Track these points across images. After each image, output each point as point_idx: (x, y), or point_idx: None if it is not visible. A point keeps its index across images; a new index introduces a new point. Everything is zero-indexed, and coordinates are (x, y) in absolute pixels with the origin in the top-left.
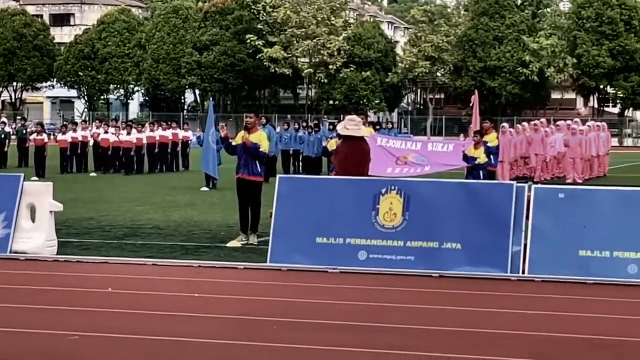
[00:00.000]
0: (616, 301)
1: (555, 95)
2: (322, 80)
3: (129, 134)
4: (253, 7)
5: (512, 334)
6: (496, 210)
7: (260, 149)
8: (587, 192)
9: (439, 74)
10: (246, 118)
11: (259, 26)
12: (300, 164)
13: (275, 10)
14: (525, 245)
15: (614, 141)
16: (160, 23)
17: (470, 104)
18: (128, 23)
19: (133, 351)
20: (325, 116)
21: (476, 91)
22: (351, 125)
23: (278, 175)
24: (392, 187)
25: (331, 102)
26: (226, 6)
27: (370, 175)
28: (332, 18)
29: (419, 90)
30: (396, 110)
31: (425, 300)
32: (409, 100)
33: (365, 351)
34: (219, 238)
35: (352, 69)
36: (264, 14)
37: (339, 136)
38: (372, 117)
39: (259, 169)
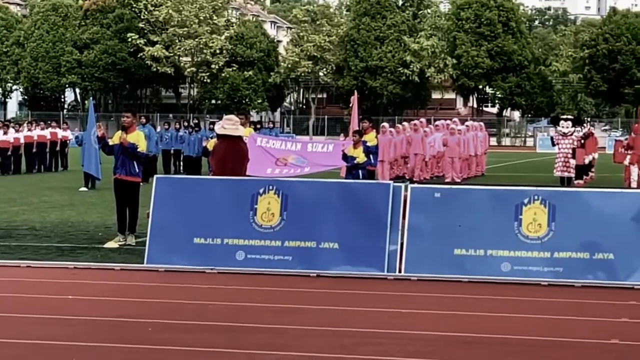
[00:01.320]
0: (490, 299)
1: (436, 95)
2: (205, 80)
3: (5, 133)
4: (134, 5)
5: (386, 333)
6: (373, 209)
7: (138, 149)
8: (462, 192)
9: (321, 73)
10: (123, 118)
11: (141, 25)
12: (181, 163)
13: (156, 9)
14: (401, 244)
15: (493, 141)
16: (39, 21)
17: (350, 104)
18: (6, 20)
19: None
20: (207, 115)
21: (356, 92)
22: (229, 125)
23: (155, 176)
24: (270, 187)
25: (213, 101)
26: (107, 4)
27: (249, 176)
28: (214, 17)
29: (301, 90)
30: (279, 109)
31: (303, 300)
32: (292, 99)
33: (241, 352)
34: (97, 239)
35: (234, 68)
36: (146, 13)
37: (217, 136)
38: (254, 116)
39: (137, 169)
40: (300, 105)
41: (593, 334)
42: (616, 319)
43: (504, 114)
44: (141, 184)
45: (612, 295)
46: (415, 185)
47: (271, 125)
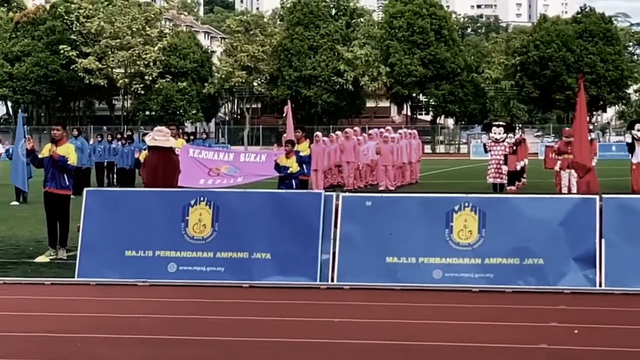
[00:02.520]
0: (422, 306)
1: (370, 103)
2: (138, 91)
3: None
4: (66, 17)
5: (319, 343)
6: (305, 219)
7: (68, 162)
8: (393, 200)
9: (255, 83)
10: (53, 131)
11: (73, 37)
12: (115, 176)
13: (89, 20)
14: (333, 253)
15: (427, 148)
16: None
17: (284, 114)
18: None
19: None
20: (142, 127)
21: (289, 101)
22: (159, 136)
23: (85, 189)
24: (201, 198)
25: (147, 113)
26: (38, 16)
27: (181, 187)
28: (147, 28)
29: (235, 100)
30: (213, 120)
31: (235, 312)
32: (226, 110)
33: None
34: (27, 253)
35: (168, 79)
36: (78, 25)
37: (148, 147)
38: (189, 127)
39: (67, 182)
40: (235, 116)
41: (522, 339)
42: (545, 323)
43: (437, 121)
44: (73, 197)
45: (542, 300)
46: (347, 194)
47: (204, 136)
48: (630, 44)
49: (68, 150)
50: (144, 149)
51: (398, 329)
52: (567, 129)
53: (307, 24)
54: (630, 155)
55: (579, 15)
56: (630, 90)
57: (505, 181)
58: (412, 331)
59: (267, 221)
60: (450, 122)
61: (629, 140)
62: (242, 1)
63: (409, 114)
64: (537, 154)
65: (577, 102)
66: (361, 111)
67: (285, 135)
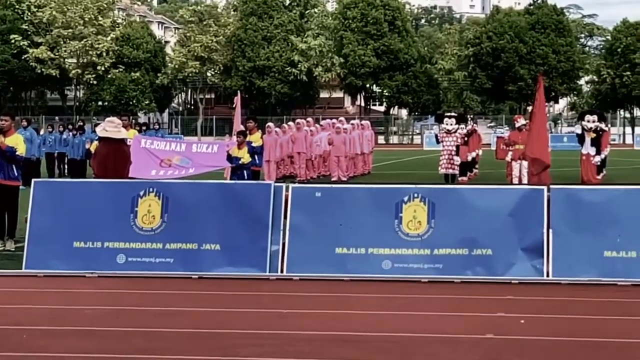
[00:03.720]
0: (371, 297)
1: (324, 94)
2: (91, 82)
3: None
4: (17, 6)
5: (268, 334)
6: (255, 210)
7: (17, 153)
8: (343, 191)
9: (209, 74)
10: (0, 121)
11: (24, 26)
12: (66, 166)
13: (40, 10)
14: (283, 244)
15: (381, 139)
16: None
17: (234, 105)
18: None
19: None
20: (94, 117)
21: (239, 92)
22: (110, 127)
23: (33, 180)
24: (151, 189)
25: (100, 103)
26: None
27: (132, 178)
28: (100, 18)
29: (189, 91)
30: (167, 110)
31: (184, 303)
32: (180, 100)
33: (118, 357)
34: None
35: (121, 69)
36: (29, 14)
37: (99, 138)
38: (142, 118)
39: (16, 173)
40: (189, 106)
41: (469, 329)
42: (492, 313)
43: (391, 112)
44: (22, 187)
45: (490, 290)
46: (296, 184)
47: (157, 127)
48: (582, 35)
49: (16, 141)
50: (95, 140)
51: (347, 319)
52: (516, 116)
53: (261, 15)
54: (580, 146)
55: (532, 7)
56: (581, 82)
57: (457, 172)
58: (361, 322)
59: (216, 212)
60: (404, 112)
61: (579, 131)
62: None
63: (362, 104)
64: (490, 144)
65: (536, 99)
66: (315, 102)
67: (234, 126)
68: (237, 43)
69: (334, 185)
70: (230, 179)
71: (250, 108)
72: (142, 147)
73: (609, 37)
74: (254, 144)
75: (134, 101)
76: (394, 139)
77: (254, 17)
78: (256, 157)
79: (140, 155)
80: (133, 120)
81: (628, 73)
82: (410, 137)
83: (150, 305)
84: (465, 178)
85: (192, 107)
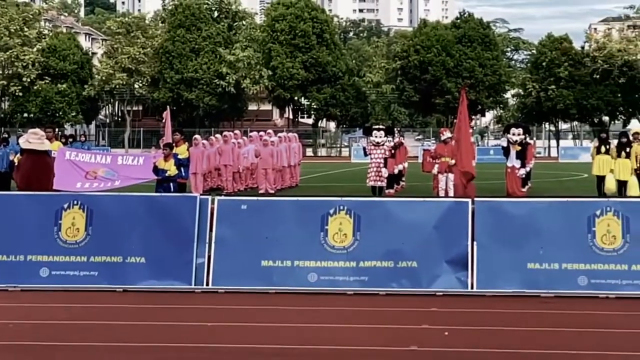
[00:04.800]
0: (297, 309)
1: (252, 106)
2: (16, 93)
3: None
4: None
5: (193, 347)
6: (180, 222)
7: None
8: (268, 203)
9: (136, 85)
10: None
11: None
12: None
13: None
14: (209, 257)
15: (309, 151)
16: None
17: (163, 120)
18: None
19: None
20: (20, 129)
21: (168, 107)
22: (34, 139)
23: None
24: (75, 202)
25: (26, 115)
26: None
27: (57, 190)
28: (26, 29)
29: (116, 103)
30: (94, 122)
31: (109, 316)
32: (107, 112)
33: None
34: None
35: (47, 81)
36: None
37: (22, 150)
38: (68, 130)
39: None
40: (116, 118)
41: (394, 342)
42: (417, 325)
43: (319, 124)
44: None
45: (415, 303)
46: (222, 197)
47: (83, 139)
48: (508, 49)
49: None
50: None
51: (272, 332)
52: (442, 129)
53: (189, 27)
54: (505, 158)
55: (459, 21)
56: (507, 95)
57: (384, 184)
58: (287, 335)
59: (141, 225)
60: (332, 125)
61: (505, 144)
62: (123, 2)
63: (290, 117)
64: (417, 157)
65: (460, 112)
66: (243, 114)
67: (163, 138)
68: (165, 55)
69: (259, 198)
70: (156, 191)
71: (178, 120)
72: (66, 159)
73: (534, 51)
74: (180, 156)
75: (60, 113)
76: (322, 152)
77: (182, 29)
78: (182, 169)
79: (65, 168)
80: (59, 132)
81: (553, 87)
82: (338, 149)
83: (73, 319)
84: (392, 190)
85: (120, 119)
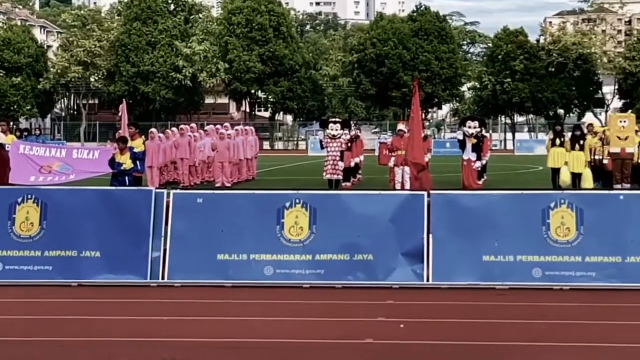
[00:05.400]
0: (253, 303)
1: (209, 99)
2: None
3: None
4: None
5: (148, 341)
6: (135, 216)
7: None
8: (224, 197)
9: (92, 79)
10: None
11: None
12: None
13: None
14: (164, 250)
15: (266, 144)
16: None
17: (120, 113)
18: None
19: None
20: None
21: (124, 100)
22: None
23: None
24: (29, 196)
25: None
26: None
27: (11, 184)
28: None
29: (72, 96)
30: (49, 116)
31: (64, 311)
32: (62, 105)
33: None
34: None
35: (1, 74)
36: None
37: None
38: (23, 123)
39: None
40: (71, 112)
41: (349, 334)
42: (373, 318)
43: (276, 118)
44: None
45: (371, 295)
46: (177, 191)
47: (38, 132)
48: (464, 42)
49: None
50: None
51: (228, 326)
52: (399, 122)
53: (145, 20)
54: (461, 151)
55: (415, 14)
56: (463, 88)
57: (341, 177)
58: (242, 328)
59: (96, 219)
60: (289, 118)
61: (461, 137)
62: None
63: (247, 110)
64: (374, 150)
65: (412, 102)
66: (200, 107)
67: (120, 131)
68: (121, 48)
69: (215, 191)
70: (112, 185)
71: (135, 113)
72: (20, 152)
73: (490, 45)
74: (135, 150)
75: (15, 106)
76: (279, 145)
77: (138, 22)
78: (138, 163)
79: (19, 161)
80: (13, 126)
81: (509, 80)
82: (295, 142)
83: (29, 314)
84: (349, 184)
85: (75, 113)
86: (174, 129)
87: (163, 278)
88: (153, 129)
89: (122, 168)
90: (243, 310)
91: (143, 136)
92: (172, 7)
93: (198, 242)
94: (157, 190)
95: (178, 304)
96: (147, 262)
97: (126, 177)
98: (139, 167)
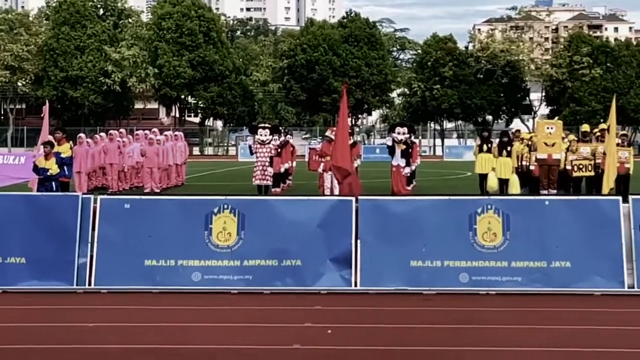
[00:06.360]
0: (180, 309)
1: (139, 105)
2: None
3: None
4: None
5: (71, 348)
6: (62, 222)
7: None
8: (152, 202)
9: (20, 83)
10: None
11: None
12: None
13: None
14: (91, 256)
15: (196, 150)
16: None
17: (42, 115)
18: None
19: None
20: None
21: (47, 101)
22: None
23: None
24: None
25: None
26: None
27: None
28: None
29: None
30: None
31: None
32: None
33: None
34: None
35: None
36: None
37: None
38: None
39: None
40: None
41: (276, 341)
42: (300, 324)
43: (206, 123)
44: None
45: (299, 301)
46: (105, 196)
47: None
48: (394, 49)
49: None
50: None
51: (155, 332)
52: (329, 128)
53: (74, 24)
54: (390, 157)
55: (345, 20)
56: (393, 94)
57: (270, 183)
58: (169, 334)
59: (22, 225)
60: (219, 124)
61: (390, 143)
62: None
63: (177, 115)
64: (304, 155)
65: (340, 107)
66: (129, 112)
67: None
68: (49, 52)
69: (143, 197)
70: (38, 191)
71: (63, 119)
72: None
73: (419, 51)
74: (62, 155)
75: None
76: (209, 150)
77: (66, 27)
78: (65, 168)
79: None
80: None
81: (438, 86)
82: (226, 148)
83: None
84: (278, 189)
85: (2, 118)
86: (102, 134)
87: (90, 284)
88: (81, 134)
89: (48, 174)
90: (170, 317)
91: (71, 141)
92: (102, 11)
93: (125, 248)
94: (84, 195)
95: (104, 311)
96: (73, 268)
97: (53, 183)
98: (66, 173)
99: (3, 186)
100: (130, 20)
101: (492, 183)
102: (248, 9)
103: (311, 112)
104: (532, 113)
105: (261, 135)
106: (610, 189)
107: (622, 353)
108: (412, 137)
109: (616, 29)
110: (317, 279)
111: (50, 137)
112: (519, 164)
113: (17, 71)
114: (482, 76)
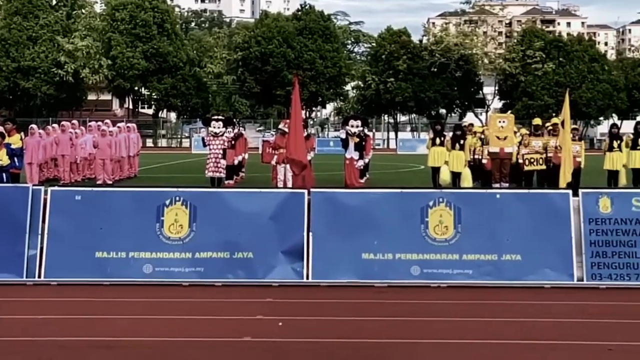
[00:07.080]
0: (132, 301)
1: (92, 96)
2: None
3: None
4: None
5: (21, 341)
6: (11, 213)
7: None
8: (103, 194)
9: None
10: None
11: None
12: None
13: None
14: (41, 248)
15: (149, 142)
16: None
17: None
18: None
19: None
20: None
21: None
22: None
23: None
24: None
25: None
26: None
27: None
28: None
29: None
30: None
31: None
32: None
33: None
34: None
35: None
36: None
37: None
38: None
39: None
40: None
41: (228, 333)
42: (252, 316)
43: (160, 115)
44: None
45: (250, 293)
46: (55, 188)
47: None
48: (349, 42)
49: None
50: None
51: (106, 324)
52: (282, 120)
53: (26, 14)
54: (344, 150)
55: (300, 13)
56: (347, 87)
57: (223, 175)
58: (120, 327)
59: None
60: (173, 116)
61: (343, 136)
62: None
63: (130, 107)
64: (257, 148)
65: (292, 99)
66: (82, 104)
67: None
68: (1, 43)
69: (94, 189)
70: None
71: (15, 109)
72: None
73: (374, 44)
74: (13, 146)
75: None
76: (163, 142)
77: (18, 17)
78: (15, 159)
79: None
80: None
81: (392, 79)
82: (179, 140)
83: None
84: (231, 181)
85: None
86: (55, 125)
87: (40, 276)
88: (33, 125)
89: None
90: (121, 309)
91: (22, 132)
92: (54, 2)
93: (76, 240)
94: (35, 187)
95: (55, 303)
96: (23, 260)
97: (3, 174)
98: (16, 164)
99: None
100: (83, 10)
101: (445, 176)
102: (202, 1)
103: (265, 105)
104: (485, 107)
105: (214, 127)
106: (568, 183)
107: (572, 345)
108: (366, 130)
109: (569, 24)
110: (268, 272)
111: (1, 128)
112: (472, 157)
113: None
114: (435, 70)
